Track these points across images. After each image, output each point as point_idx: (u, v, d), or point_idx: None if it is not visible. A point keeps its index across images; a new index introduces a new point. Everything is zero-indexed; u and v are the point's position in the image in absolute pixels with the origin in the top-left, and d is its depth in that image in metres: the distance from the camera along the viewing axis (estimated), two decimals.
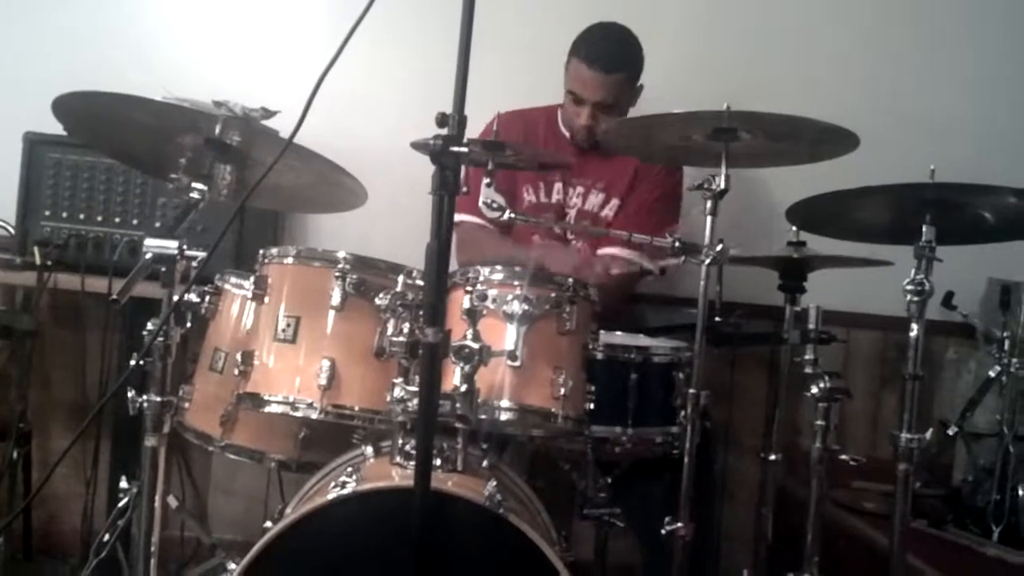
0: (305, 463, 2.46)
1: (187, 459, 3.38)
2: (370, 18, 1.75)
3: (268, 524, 2.14)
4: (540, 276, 2.19)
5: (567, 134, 3.09)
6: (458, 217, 2.78)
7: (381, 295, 2.18)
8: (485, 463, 2.20)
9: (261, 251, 2.34)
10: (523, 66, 3.34)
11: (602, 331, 2.35)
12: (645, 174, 3.06)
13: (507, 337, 2.12)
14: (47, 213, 2.98)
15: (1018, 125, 3.50)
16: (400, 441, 2.08)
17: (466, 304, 2.01)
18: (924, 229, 2.13)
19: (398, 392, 2.00)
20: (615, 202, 3.07)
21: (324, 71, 1.77)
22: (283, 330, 2.21)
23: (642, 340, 2.49)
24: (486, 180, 2.05)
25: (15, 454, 2.92)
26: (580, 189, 3.07)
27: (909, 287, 2.13)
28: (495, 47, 3.09)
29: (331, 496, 1.93)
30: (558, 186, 3.06)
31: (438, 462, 2.03)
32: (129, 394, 2.04)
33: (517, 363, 2.11)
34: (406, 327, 2.12)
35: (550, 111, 3.15)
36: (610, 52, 2.85)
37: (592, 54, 2.84)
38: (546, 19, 3.36)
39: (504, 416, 2.12)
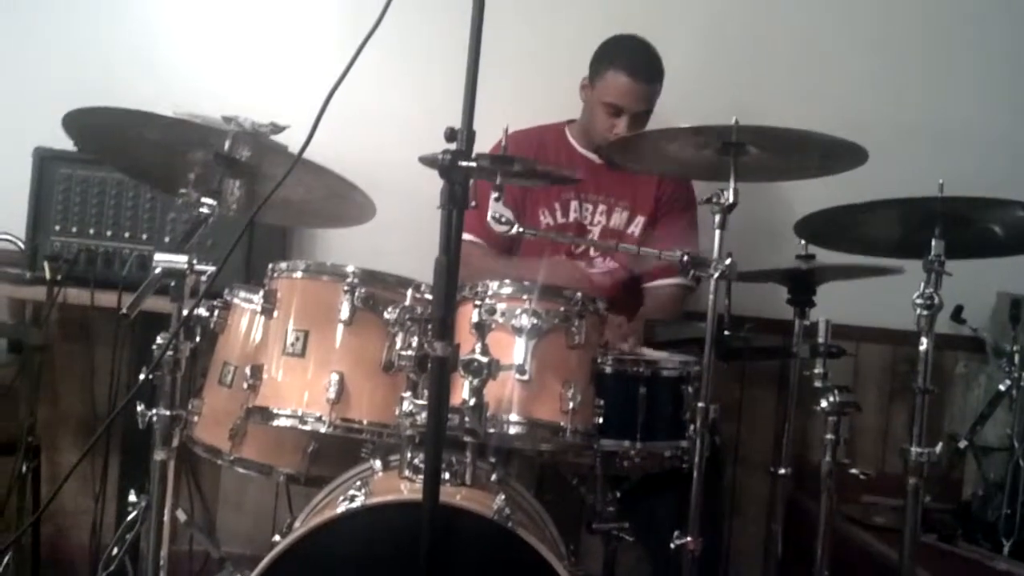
0: (314, 477, 2.46)
1: (196, 473, 3.38)
2: (379, 34, 1.75)
3: (277, 538, 2.15)
4: (547, 291, 2.19)
5: (579, 149, 3.09)
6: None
7: (390, 309, 2.18)
8: (494, 477, 2.20)
9: (270, 265, 2.35)
10: (532, 82, 3.34)
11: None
12: (668, 194, 3.08)
13: (516, 351, 2.12)
14: (57, 228, 2.99)
15: None
16: (409, 455, 2.09)
17: (475, 318, 2.01)
18: (933, 243, 2.13)
19: (407, 406, 2.00)
20: (640, 219, 3.07)
21: (334, 86, 1.78)
22: (292, 344, 2.21)
23: (651, 353, 2.49)
24: (494, 195, 2.06)
25: (24, 468, 2.92)
26: (603, 207, 3.06)
27: (919, 301, 2.12)
28: (504, 63, 3.10)
29: (340, 510, 1.93)
30: (575, 204, 3.05)
31: (447, 476, 2.04)
32: (138, 408, 2.05)
33: (526, 377, 2.11)
34: (415, 341, 2.12)
35: (558, 128, 3.15)
36: (649, 62, 2.91)
37: (633, 65, 2.88)
38: (555, 35, 3.38)
39: (513, 430, 2.12)
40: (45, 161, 3.00)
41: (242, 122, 2.44)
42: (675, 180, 3.07)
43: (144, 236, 3.00)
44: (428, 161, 1.76)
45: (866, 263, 2.55)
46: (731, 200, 2.11)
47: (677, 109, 3.02)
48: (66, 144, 2.29)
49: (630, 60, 2.89)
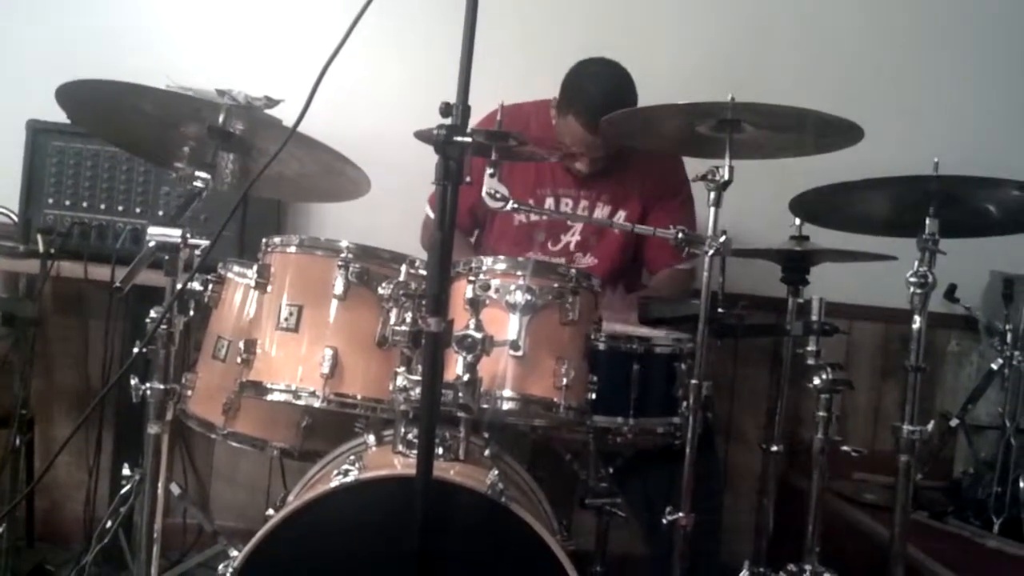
0: (307, 451, 2.47)
1: (189, 447, 3.39)
2: (375, 7, 1.74)
3: (270, 512, 2.15)
4: (540, 267, 2.18)
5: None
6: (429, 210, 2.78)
7: (384, 284, 2.18)
8: (487, 452, 2.20)
9: (264, 240, 2.34)
10: (528, 56, 3.33)
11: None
12: (651, 187, 3.00)
13: (510, 327, 2.11)
14: (50, 201, 2.98)
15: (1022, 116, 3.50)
16: (402, 430, 2.09)
17: (469, 294, 2.01)
18: (927, 222, 2.13)
19: (400, 381, 2.00)
20: (622, 214, 2.98)
21: (328, 60, 1.77)
22: (286, 319, 2.21)
23: (644, 331, 2.49)
24: (489, 171, 2.05)
25: (18, 441, 2.92)
26: (584, 202, 2.98)
27: (912, 279, 2.13)
28: (500, 37, 3.09)
29: (333, 484, 1.93)
30: (550, 201, 2.99)
31: (440, 451, 2.04)
32: (132, 382, 2.05)
33: (519, 353, 2.10)
34: (409, 316, 2.12)
35: (541, 106, 3.02)
36: (607, 109, 2.49)
37: (590, 114, 2.70)
38: (552, 9, 3.36)
39: (506, 406, 2.11)
40: (38, 134, 2.98)
41: (236, 95, 2.43)
42: (660, 169, 2.98)
43: (138, 210, 2.99)
44: (423, 136, 1.75)
45: (860, 248, 2.55)
46: (726, 177, 2.10)
47: (673, 86, 3.02)
48: (59, 117, 2.27)
49: (588, 109, 2.71)
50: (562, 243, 3.02)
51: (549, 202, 2.99)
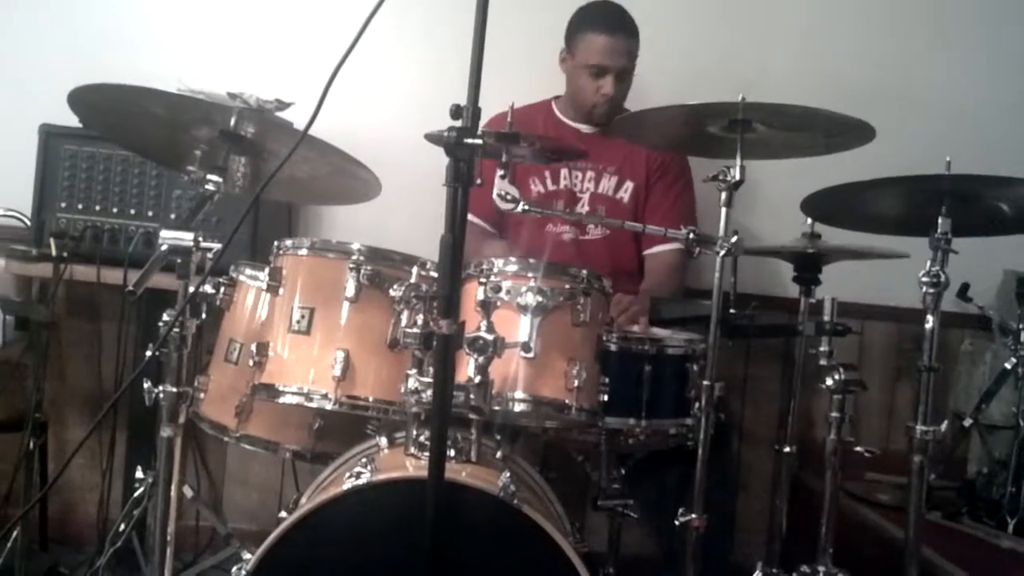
0: (319, 454, 2.48)
1: (202, 449, 3.39)
2: (385, 10, 1.75)
3: (283, 514, 2.15)
4: (552, 268, 2.19)
5: (566, 121, 3.13)
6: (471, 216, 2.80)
7: (395, 286, 2.18)
8: (499, 454, 2.20)
9: (276, 243, 2.34)
10: (539, 59, 3.32)
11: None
12: (659, 163, 3.09)
13: (521, 329, 2.11)
14: (63, 205, 2.99)
15: None
16: (414, 432, 2.09)
17: (480, 296, 2.01)
18: (940, 221, 2.12)
19: (412, 383, 2.00)
20: (629, 184, 3.09)
21: (339, 63, 1.77)
22: (297, 321, 2.22)
23: (656, 332, 2.49)
24: (500, 172, 2.05)
25: (31, 444, 2.93)
26: (591, 173, 3.09)
27: (925, 279, 2.12)
28: (510, 39, 3.08)
29: (346, 486, 1.93)
30: (564, 172, 3.09)
31: (452, 453, 2.05)
32: (145, 385, 2.05)
33: (531, 355, 2.10)
34: (420, 318, 2.12)
35: (545, 104, 3.19)
36: (622, 19, 2.95)
37: (608, 23, 2.93)
38: (562, 11, 3.35)
39: (518, 407, 2.11)
40: (50, 138, 2.99)
41: (247, 99, 2.44)
42: (664, 154, 3.09)
43: (150, 213, 3.00)
44: (434, 138, 1.76)
45: (872, 246, 2.54)
46: (737, 177, 2.10)
47: (684, 86, 3.01)
48: (71, 121, 2.28)
49: (604, 19, 2.94)
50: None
51: (564, 172, 3.10)
